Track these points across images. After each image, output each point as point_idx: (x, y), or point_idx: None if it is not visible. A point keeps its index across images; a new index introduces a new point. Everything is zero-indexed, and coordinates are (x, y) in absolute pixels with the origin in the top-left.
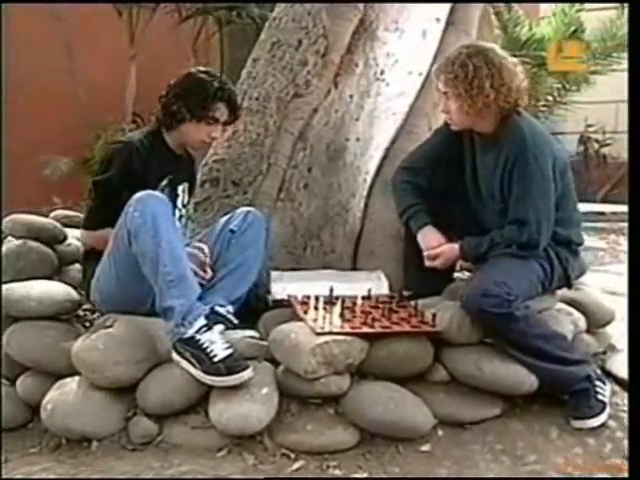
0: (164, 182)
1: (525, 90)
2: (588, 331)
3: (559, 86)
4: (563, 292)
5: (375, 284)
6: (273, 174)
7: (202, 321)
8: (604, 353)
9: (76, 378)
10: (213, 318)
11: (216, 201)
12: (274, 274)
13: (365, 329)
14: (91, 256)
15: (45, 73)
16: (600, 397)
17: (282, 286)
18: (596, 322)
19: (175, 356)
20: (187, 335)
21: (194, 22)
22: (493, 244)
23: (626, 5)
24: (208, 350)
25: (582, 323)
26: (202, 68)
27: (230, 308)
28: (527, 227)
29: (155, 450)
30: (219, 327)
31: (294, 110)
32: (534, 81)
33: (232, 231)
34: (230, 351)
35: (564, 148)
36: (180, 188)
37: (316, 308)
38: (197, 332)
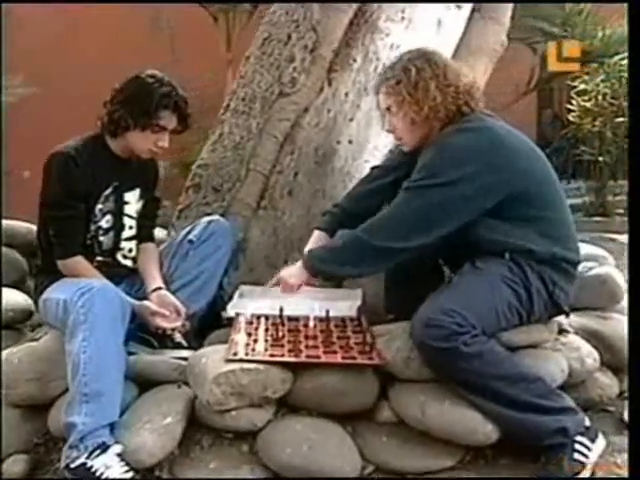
0: (108, 190)
1: (476, 90)
2: (617, 370)
3: None
4: (583, 321)
5: (349, 304)
6: (252, 180)
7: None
8: None
9: None
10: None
11: (195, 208)
12: (244, 289)
13: (287, 357)
14: (41, 270)
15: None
16: (578, 456)
17: (246, 303)
18: (623, 359)
19: None
20: (77, 462)
21: None
22: (345, 247)
23: None
24: (103, 478)
25: (593, 361)
26: (150, 72)
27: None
28: (378, 222)
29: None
30: (116, 447)
31: (278, 110)
32: None
33: (191, 241)
34: (130, 475)
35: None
36: (130, 195)
37: (256, 329)
38: (89, 457)
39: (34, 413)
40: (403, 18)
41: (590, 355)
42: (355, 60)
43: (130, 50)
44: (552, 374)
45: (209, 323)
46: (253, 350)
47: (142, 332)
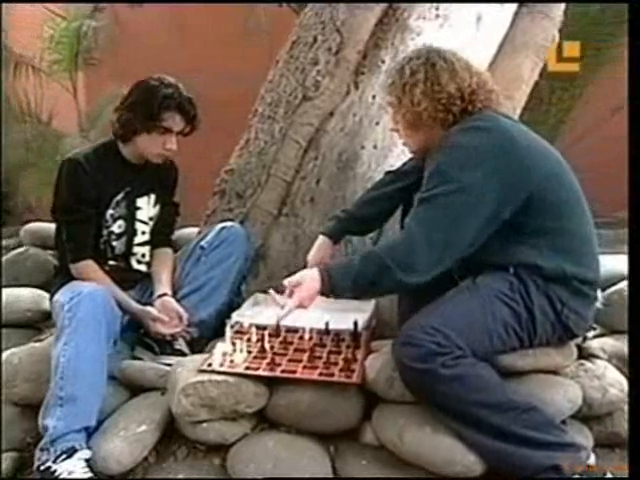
0: (119, 196)
1: (483, 89)
2: None
3: None
4: (619, 345)
5: (358, 316)
6: (272, 186)
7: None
8: None
9: None
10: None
11: (219, 214)
12: (259, 296)
13: (262, 371)
14: (58, 272)
15: (244, 83)
16: None
17: (251, 311)
18: None
19: None
20: (45, 465)
21: None
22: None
23: None
24: None
25: (619, 391)
26: (157, 75)
27: (185, 332)
28: (401, 239)
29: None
30: (84, 453)
31: (301, 115)
32: None
33: (202, 247)
34: None
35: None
36: (143, 200)
37: (248, 340)
38: (55, 461)
39: (29, 413)
40: (437, 16)
41: (616, 384)
42: (384, 61)
43: (227, 55)
44: (557, 404)
45: (222, 331)
46: (231, 361)
47: (148, 337)
